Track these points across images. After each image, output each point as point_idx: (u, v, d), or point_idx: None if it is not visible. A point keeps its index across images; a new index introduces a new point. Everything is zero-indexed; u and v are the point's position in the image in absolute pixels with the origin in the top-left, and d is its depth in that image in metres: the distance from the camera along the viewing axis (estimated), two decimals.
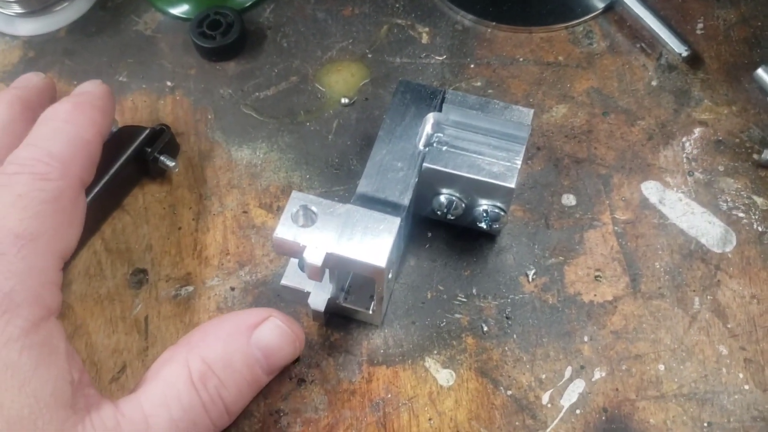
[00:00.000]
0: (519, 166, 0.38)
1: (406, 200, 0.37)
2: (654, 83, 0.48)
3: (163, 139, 0.43)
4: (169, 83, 0.49)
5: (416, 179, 0.38)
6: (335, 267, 0.36)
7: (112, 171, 0.42)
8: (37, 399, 0.29)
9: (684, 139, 0.46)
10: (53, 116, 0.37)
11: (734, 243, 0.42)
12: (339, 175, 0.45)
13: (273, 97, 0.48)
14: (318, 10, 0.52)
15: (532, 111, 0.40)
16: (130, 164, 0.43)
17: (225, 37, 0.49)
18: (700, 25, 0.51)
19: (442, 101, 0.40)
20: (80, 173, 0.35)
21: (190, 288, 0.41)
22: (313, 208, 0.35)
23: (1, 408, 0.28)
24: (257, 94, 0.48)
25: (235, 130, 0.47)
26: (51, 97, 0.42)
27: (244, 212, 0.43)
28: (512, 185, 0.37)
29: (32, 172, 0.33)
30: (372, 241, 0.34)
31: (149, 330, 0.39)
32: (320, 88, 0.49)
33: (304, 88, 0.49)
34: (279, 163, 0.45)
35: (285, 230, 0.35)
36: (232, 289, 0.41)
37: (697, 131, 0.46)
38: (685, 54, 0.48)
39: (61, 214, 0.34)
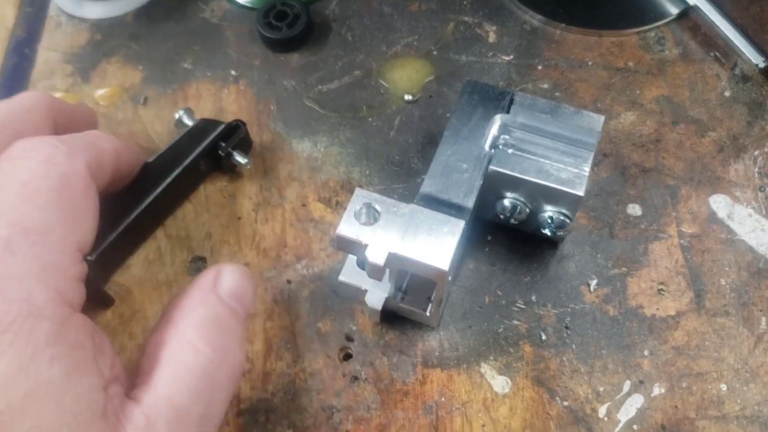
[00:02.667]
0: (588, 174, 0.37)
1: (470, 202, 0.37)
2: (727, 94, 0.47)
3: (238, 135, 0.43)
4: (233, 72, 0.49)
5: (481, 181, 0.37)
6: (396, 267, 0.35)
7: (186, 162, 0.41)
8: (75, 415, 0.27)
9: (756, 152, 0.44)
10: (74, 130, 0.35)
11: None
12: (399, 172, 0.44)
13: (336, 90, 0.48)
14: (384, 4, 0.52)
15: (602, 117, 0.39)
16: (203, 157, 0.43)
17: (291, 29, 0.49)
18: None
19: (511, 103, 0.40)
20: (88, 160, 0.32)
21: None
22: (377, 207, 0.35)
23: (41, 429, 0.26)
24: (320, 87, 0.48)
25: (297, 122, 0.47)
26: (85, 122, 0.40)
27: (303, 205, 0.43)
28: (581, 193, 0.36)
29: (37, 156, 0.30)
30: (435, 243, 0.34)
31: None
32: (383, 83, 0.48)
33: (368, 83, 0.48)
34: (339, 158, 0.45)
35: (348, 227, 0.34)
36: (289, 282, 0.41)
37: None
38: (762, 65, 0.46)
39: (71, 203, 0.31)
